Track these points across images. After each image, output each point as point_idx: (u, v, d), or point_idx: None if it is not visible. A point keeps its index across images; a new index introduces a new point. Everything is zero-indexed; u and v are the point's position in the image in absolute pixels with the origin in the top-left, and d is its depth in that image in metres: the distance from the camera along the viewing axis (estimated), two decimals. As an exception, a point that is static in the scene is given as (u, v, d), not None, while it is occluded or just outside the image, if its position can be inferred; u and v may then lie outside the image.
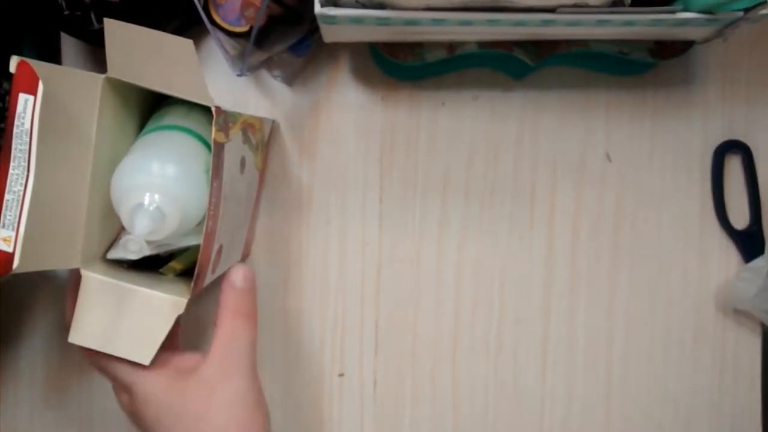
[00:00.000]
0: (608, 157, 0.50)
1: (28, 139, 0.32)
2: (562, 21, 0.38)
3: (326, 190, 0.50)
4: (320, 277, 0.50)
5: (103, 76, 0.37)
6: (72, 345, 0.50)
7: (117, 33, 0.34)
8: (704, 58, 0.50)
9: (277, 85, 0.50)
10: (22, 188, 0.32)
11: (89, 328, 0.35)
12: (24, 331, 0.50)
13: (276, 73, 0.49)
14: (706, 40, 0.44)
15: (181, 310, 0.35)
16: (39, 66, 0.32)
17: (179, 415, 0.36)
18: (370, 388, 0.50)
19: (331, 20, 0.39)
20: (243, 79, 0.49)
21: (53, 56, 0.49)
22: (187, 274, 0.40)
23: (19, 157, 0.32)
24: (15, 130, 0.32)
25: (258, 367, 0.50)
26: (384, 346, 0.50)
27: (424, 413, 0.50)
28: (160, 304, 0.35)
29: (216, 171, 0.35)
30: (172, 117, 0.40)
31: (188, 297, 0.35)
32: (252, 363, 0.38)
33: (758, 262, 0.48)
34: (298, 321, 0.50)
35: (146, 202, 0.34)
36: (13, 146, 0.32)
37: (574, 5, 0.37)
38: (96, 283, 0.36)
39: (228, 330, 0.37)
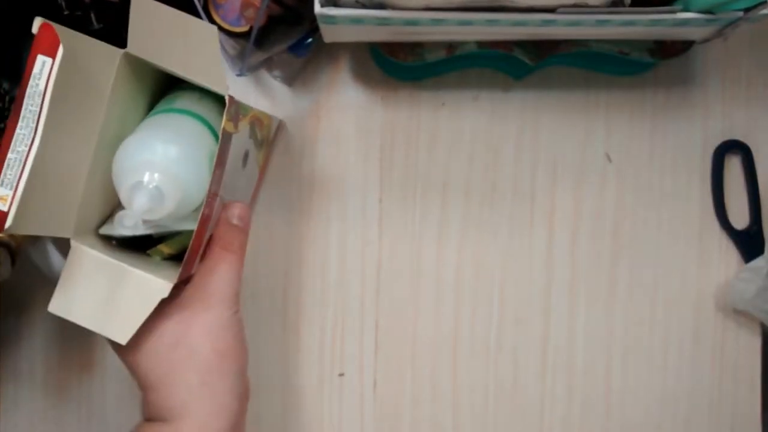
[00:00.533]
0: (608, 157, 0.50)
1: (40, 101, 0.32)
2: (562, 21, 0.38)
3: (326, 189, 0.50)
4: (320, 277, 0.50)
5: (123, 51, 0.36)
6: (71, 345, 0.51)
7: (141, 9, 0.34)
8: (704, 58, 0.50)
9: (277, 85, 0.50)
10: (27, 149, 0.32)
11: (71, 300, 0.35)
12: (24, 331, 0.50)
13: (276, 73, 0.49)
14: (706, 40, 0.44)
15: (164, 293, 0.35)
16: (61, 30, 0.32)
17: (158, 337, 0.36)
18: (370, 388, 0.50)
19: (331, 20, 0.39)
20: (243, 79, 0.49)
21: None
22: (174, 259, 0.40)
23: (29, 118, 0.32)
24: (28, 90, 0.32)
25: (257, 367, 0.50)
26: (384, 346, 0.50)
27: (424, 413, 0.50)
28: (145, 285, 0.35)
29: (220, 159, 0.35)
30: (184, 101, 0.40)
31: (174, 281, 0.35)
32: (235, 296, 0.38)
33: (758, 262, 0.48)
34: (298, 321, 0.50)
35: (146, 180, 0.34)
36: (24, 106, 0.32)
37: (574, 5, 0.37)
38: (84, 255, 0.35)
39: (214, 262, 0.37)
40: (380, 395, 0.50)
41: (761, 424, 0.50)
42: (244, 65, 0.42)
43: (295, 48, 0.46)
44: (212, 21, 0.43)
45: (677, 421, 0.50)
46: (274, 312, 0.50)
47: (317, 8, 0.37)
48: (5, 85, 0.39)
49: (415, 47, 0.46)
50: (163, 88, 0.42)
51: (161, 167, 0.34)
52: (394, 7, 0.38)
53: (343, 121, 0.50)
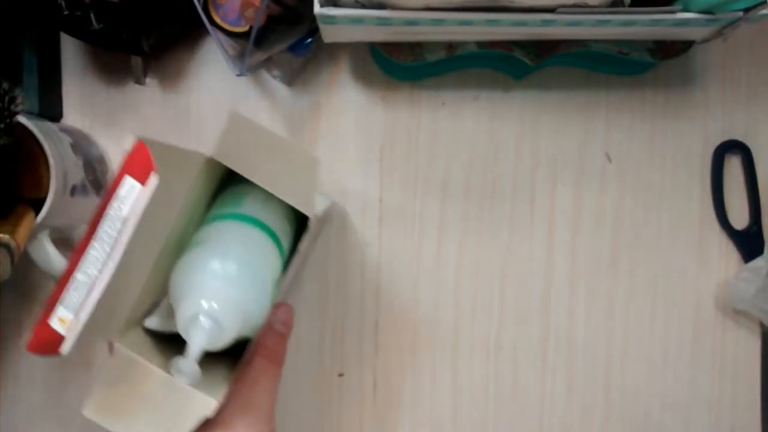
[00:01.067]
0: (608, 157, 0.50)
1: (120, 227, 0.29)
2: (562, 21, 0.38)
3: (326, 190, 0.50)
4: (320, 277, 0.50)
5: (206, 156, 0.34)
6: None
7: (238, 125, 0.33)
8: (704, 58, 0.50)
9: (277, 85, 0.50)
10: (98, 273, 0.29)
11: (108, 404, 0.32)
12: (24, 331, 0.50)
13: (276, 73, 0.49)
14: (706, 40, 0.44)
15: (209, 412, 0.32)
16: (154, 148, 0.29)
17: None
18: (370, 388, 0.50)
19: (331, 20, 0.39)
20: (243, 79, 0.49)
21: (53, 56, 0.49)
22: (226, 352, 0.36)
23: (105, 241, 0.29)
24: (109, 212, 0.29)
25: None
26: (384, 346, 0.50)
27: (424, 413, 0.50)
28: (189, 400, 0.32)
29: (287, 281, 0.34)
30: (251, 204, 0.38)
31: (221, 400, 0.32)
32: (273, 410, 0.36)
33: (758, 262, 0.48)
34: (298, 321, 0.50)
35: (204, 312, 0.31)
36: (102, 226, 0.29)
37: (574, 5, 0.37)
38: (127, 360, 0.33)
39: (257, 373, 0.36)
40: (380, 395, 0.50)
41: (761, 424, 0.50)
42: (244, 65, 0.42)
43: (295, 48, 0.46)
44: (212, 21, 0.43)
45: (677, 421, 0.50)
46: (274, 312, 0.50)
47: (317, 8, 0.37)
48: (5, 85, 0.39)
49: (415, 47, 0.46)
50: (226, 174, 0.40)
51: (221, 294, 0.32)
52: (394, 7, 0.38)
53: (343, 121, 0.50)
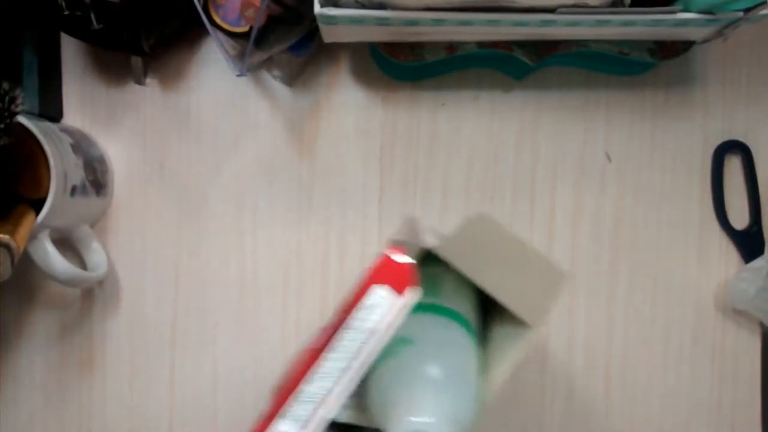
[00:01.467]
0: (608, 157, 0.50)
1: (366, 339, 0.27)
2: (562, 21, 0.38)
3: (326, 190, 0.50)
4: (320, 277, 0.50)
5: (422, 247, 0.32)
6: (71, 345, 0.51)
7: (481, 227, 0.31)
8: (704, 58, 0.50)
9: (277, 85, 0.50)
10: (332, 386, 0.27)
11: None
12: (24, 331, 0.50)
13: (276, 73, 0.49)
14: (706, 40, 0.44)
15: None
16: (406, 249, 0.27)
17: None
18: (370, 388, 0.50)
19: (331, 20, 0.39)
20: (243, 79, 0.49)
21: (53, 56, 0.49)
22: None
23: (345, 353, 0.27)
24: (354, 321, 0.27)
25: (258, 366, 0.50)
26: (384, 346, 0.50)
27: (424, 413, 0.50)
28: None
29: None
30: (448, 293, 0.36)
31: None
32: None
33: (758, 262, 0.48)
34: (298, 321, 0.50)
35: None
36: (343, 336, 0.27)
37: (574, 5, 0.37)
38: None
39: None
40: (380, 395, 0.50)
41: (761, 424, 0.50)
42: (244, 65, 0.42)
43: (295, 48, 0.46)
44: (212, 21, 0.43)
45: (677, 421, 0.50)
46: (274, 312, 0.50)
47: (317, 8, 0.37)
48: (5, 85, 0.39)
49: (415, 47, 0.46)
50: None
51: (434, 407, 0.29)
52: (394, 7, 0.38)
53: (343, 121, 0.50)
